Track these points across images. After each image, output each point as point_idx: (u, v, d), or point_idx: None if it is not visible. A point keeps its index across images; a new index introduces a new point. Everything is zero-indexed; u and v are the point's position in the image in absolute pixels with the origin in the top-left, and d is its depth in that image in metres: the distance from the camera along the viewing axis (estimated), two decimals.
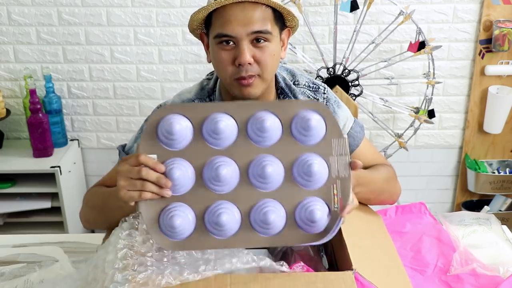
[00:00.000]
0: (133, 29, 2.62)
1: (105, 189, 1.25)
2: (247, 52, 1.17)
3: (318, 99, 1.36)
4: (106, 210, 1.17)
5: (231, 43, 1.18)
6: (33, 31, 2.62)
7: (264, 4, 1.18)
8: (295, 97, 1.34)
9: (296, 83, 1.37)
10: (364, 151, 1.41)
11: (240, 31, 1.16)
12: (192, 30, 1.29)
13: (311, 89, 1.37)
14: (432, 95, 2.56)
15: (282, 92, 1.34)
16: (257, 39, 1.17)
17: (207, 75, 1.39)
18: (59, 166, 2.48)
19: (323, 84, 1.40)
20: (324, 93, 1.38)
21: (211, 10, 1.19)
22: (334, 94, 1.41)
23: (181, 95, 1.35)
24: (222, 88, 1.32)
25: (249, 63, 1.18)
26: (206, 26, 1.25)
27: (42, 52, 2.66)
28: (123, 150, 1.34)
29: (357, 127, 1.40)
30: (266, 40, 1.19)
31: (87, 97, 2.75)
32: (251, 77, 1.20)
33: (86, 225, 1.31)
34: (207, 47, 1.28)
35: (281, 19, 1.24)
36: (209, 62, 1.29)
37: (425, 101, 2.58)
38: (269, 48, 1.20)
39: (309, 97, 1.35)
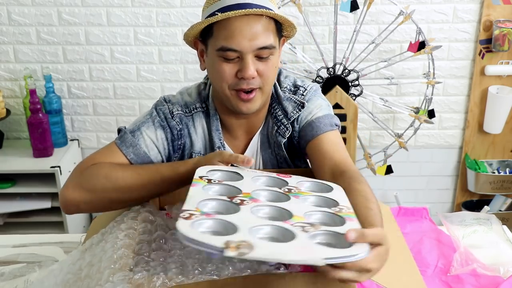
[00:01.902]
0: (133, 29, 2.62)
1: (161, 165, 1.21)
2: (252, 66, 1.16)
3: (303, 103, 1.31)
4: (162, 185, 1.16)
5: (235, 56, 1.16)
6: (33, 31, 2.62)
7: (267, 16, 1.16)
8: (280, 103, 1.32)
9: (280, 86, 1.35)
10: (320, 144, 1.26)
11: (246, 46, 1.14)
12: (186, 37, 1.26)
13: (292, 92, 1.34)
14: (432, 95, 2.56)
15: (271, 98, 1.32)
16: (262, 52, 1.16)
17: (205, 78, 1.38)
18: (59, 166, 2.48)
19: (305, 85, 1.35)
20: (303, 95, 1.33)
21: (215, 21, 1.15)
22: (315, 92, 1.34)
23: (183, 95, 1.34)
24: (214, 98, 1.31)
25: (253, 77, 1.17)
26: (203, 34, 1.22)
27: (42, 52, 2.66)
28: (130, 132, 1.27)
29: (326, 120, 1.30)
30: (270, 53, 1.18)
31: (87, 97, 2.75)
32: (252, 91, 1.19)
33: (72, 208, 1.20)
34: (201, 55, 1.25)
35: (280, 28, 1.22)
36: (203, 70, 1.27)
37: (425, 101, 2.58)
38: (272, 61, 1.19)
39: (295, 102, 1.32)
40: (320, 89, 1.39)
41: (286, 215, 0.90)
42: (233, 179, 1.04)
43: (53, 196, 2.57)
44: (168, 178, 1.16)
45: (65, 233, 2.56)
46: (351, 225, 0.88)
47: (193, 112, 1.31)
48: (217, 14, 1.14)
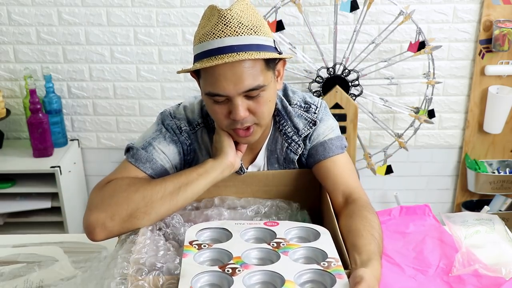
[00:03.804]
0: (133, 29, 2.61)
1: (186, 171, 1.20)
2: (241, 108, 1.14)
3: (315, 120, 1.32)
4: (192, 190, 1.16)
5: (223, 99, 1.14)
6: (33, 31, 2.62)
7: None
8: (291, 120, 1.31)
9: (289, 102, 1.34)
10: (333, 167, 1.29)
11: (232, 91, 1.12)
12: (180, 73, 1.25)
13: (303, 109, 1.33)
14: (432, 95, 2.56)
15: (279, 114, 1.32)
16: (250, 93, 1.14)
17: None
18: (59, 166, 2.48)
19: (315, 102, 1.35)
20: (315, 113, 1.33)
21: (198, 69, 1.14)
22: (325, 111, 1.36)
23: (186, 111, 1.33)
24: None
25: (244, 117, 1.16)
26: (195, 71, 1.20)
27: (42, 52, 2.65)
28: (142, 149, 1.26)
29: (337, 142, 1.33)
30: (260, 91, 1.14)
31: (87, 97, 2.75)
32: (248, 128, 1.19)
33: (98, 230, 1.11)
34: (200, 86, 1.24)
35: (272, 59, 1.18)
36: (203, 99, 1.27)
37: (425, 101, 2.58)
38: (263, 97, 1.16)
39: (306, 119, 1.32)
40: (327, 106, 1.39)
41: (278, 280, 0.93)
42: (223, 237, 1.08)
43: (53, 196, 2.57)
44: (196, 180, 1.18)
45: (65, 233, 2.56)
46: (341, 284, 0.92)
47: (196, 128, 1.31)
48: (196, 65, 1.13)
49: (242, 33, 1.11)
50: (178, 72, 1.22)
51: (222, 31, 1.10)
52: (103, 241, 1.13)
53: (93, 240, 1.11)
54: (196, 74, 1.21)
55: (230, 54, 1.09)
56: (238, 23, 1.11)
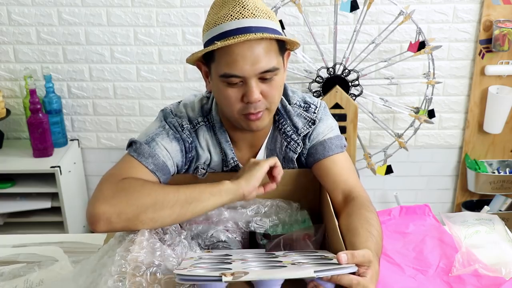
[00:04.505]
0: (133, 29, 2.61)
1: (200, 186, 1.17)
2: (256, 90, 1.16)
3: (314, 120, 1.33)
4: (198, 206, 1.14)
5: (238, 80, 1.16)
6: (33, 31, 2.62)
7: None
8: (290, 119, 1.32)
9: (289, 102, 1.35)
10: (333, 166, 1.31)
11: (249, 71, 1.14)
12: (188, 62, 1.25)
13: (302, 108, 1.35)
14: (432, 95, 2.56)
15: (278, 113, 1.33)
16: (265, 75, 1.16)
17: (207, 92, 1.37)
18: (59, 166, 2.48)
19: (315, 102, 1.36)
20: (314, 113, 1.35)
21: (216, 48, 1.14)
22: (325, 111, 1.37)
23: (187, 109, 1.33)
24: (220, 113, 1.31)
25: (258, 100, 1.17)
26: (205, 57, 1.21)
27: (42, 52, 2.65)
28: (145, 143, 1.25)
29: (337, 141, 1.34)
30: (274, 74, 1.17)
31: (87, 97, 2.75)
32: (259, 112, 1.20)
33: (102, 223, 1.09)
34: (206, 76, 1.25)
35: (283, 44, 1.21)
36: (209, 90, 1.28)
37: (425, 101, 2.58)
38: (275, 81, 1.19)
39: (305, 118, 1.33)
40: (327, 106, 1.40)
41: (276, 262, 0.98)
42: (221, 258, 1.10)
43: (53, 196, 2.57)
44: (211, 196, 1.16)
45: (65, 233, 2.56)
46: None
47: (196, 126, 1.32)
48: (216, 43, 1.12)
49: (259, 16, 1.14)
50: (189, 59, 1.22)
51: (240, 13, 1.13)
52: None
53: (95, 230, 1.11)
54: (208, 58, 1.21)
55: (249, 34, 1.12)
56: (255, 6, 1.15)
